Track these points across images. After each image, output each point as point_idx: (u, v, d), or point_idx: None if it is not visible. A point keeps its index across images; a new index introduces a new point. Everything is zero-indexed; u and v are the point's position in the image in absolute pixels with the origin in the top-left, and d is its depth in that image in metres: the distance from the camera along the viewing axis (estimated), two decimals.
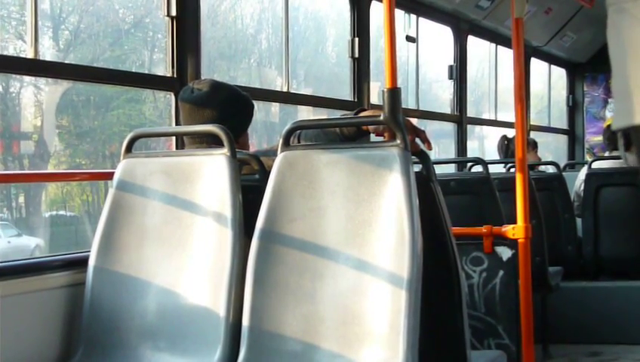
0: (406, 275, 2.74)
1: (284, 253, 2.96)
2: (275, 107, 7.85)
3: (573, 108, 11.45)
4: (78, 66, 4.77)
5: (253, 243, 2.98)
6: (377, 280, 2.81)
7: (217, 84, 3.72)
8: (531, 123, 9.90)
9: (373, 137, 3.34)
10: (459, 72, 7.97)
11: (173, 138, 4.29)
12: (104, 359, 3.13)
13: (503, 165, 7.13)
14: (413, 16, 7.30)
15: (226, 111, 3.58)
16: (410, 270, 2.74)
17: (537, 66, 10.47)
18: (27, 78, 6.78)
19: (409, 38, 7.32)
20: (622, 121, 2.16)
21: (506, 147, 7.62)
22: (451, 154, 8.24)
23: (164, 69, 4.50)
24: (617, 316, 6.85)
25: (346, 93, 6.34)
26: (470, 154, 8.36)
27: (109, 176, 3.45)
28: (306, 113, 6.67)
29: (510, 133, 7.38)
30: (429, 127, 8.50)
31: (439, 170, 5.48)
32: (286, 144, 3.05)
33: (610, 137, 7.71)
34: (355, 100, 6.20)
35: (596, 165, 7.39)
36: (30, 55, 3.67)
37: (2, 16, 6.45)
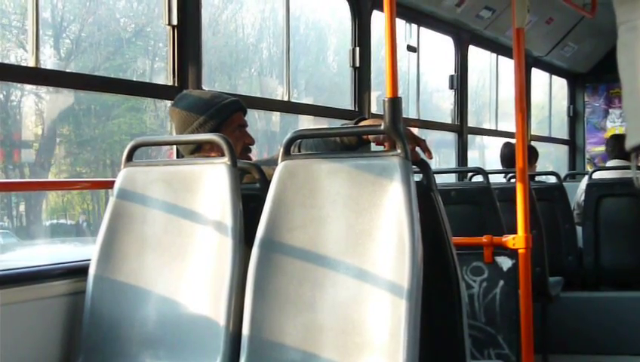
0: (406, 285, 2.74)
1: (284, 262, 2.95)
2: (276, 116, 7.86)
3: (574, 118, 11.46)
4: (79, 75, 4.78)
5: (254, 252, 2.98)
6: (377, 289, 2.80)
7: (182, 94, 3.77)
8: (532, 133, 9.91)
9: (373, 146, 3.34)
10: (460, 82, 7.98)
11: (174, 147, 4.30)
12: None
13: (503, 175, 7.13)
14: (414, 26, 7.32)
15: (186, 119, 3.61)
16: (411, 279, 2.74)
17: (538, 76, 10.47)
18: (28, 87, 6.78)
19: (410, 48, 7.32)
20: (635, 139, 2.16)
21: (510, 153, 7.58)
22: (452, 163, 8.25)
23: (165, 77, 4.51)
24: (618, 326, 6.84)
25: (346, 103, 6.34)
26: (471, 164, 8.36)
27: (109, 184, 3.45)
28: (306, 122, 6.67)
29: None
30: (430, 136, 8.51)
31: (440, 179, 5.48)
32: (286, 153, 3.05)
33: (614, 146, 7.74)
34: (356, 110, 6.21)
35: (597, 175, 7.39)
36: (31, 63, 3.68)
37: (3, 24, 6.46)
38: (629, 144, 2.20)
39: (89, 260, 3.26)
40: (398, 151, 2.89)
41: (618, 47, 2.20)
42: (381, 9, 3.33)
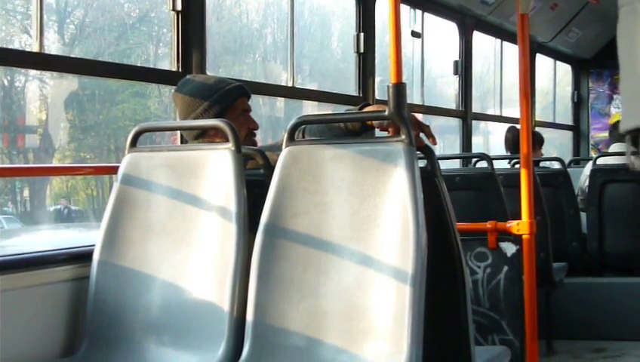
0: (410, 270, 2.74)
1: (288, 248, 2.96)
2: (280, 102, 7.85)
3: (579, 104, 11.44)
4: (83, 60, 4.77)
5: (258, 238, 2.98)
6: (382, 275, 2.81)
7: (185, 79, 3.76)
8: (536, 119, 9.89)
9: (377, 132, 3.34)
10: (464, 68, 7.97)
11: (178, 132, 4.30)
12: (108, 353, 3.13)
13: (507, 161, 7.13)
14: (419, 12, 7.30)
15: (190, 104, 3.60)
16: (415, 265, 2.74)
17: (543, 62, 10.46)
18: (32, 72, 6.78)
19: (414, 34, 7.32)
20: (630, 122, 2.16)
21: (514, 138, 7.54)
22: (456, 149, 8.24)
23: (169, 63, 4.50)
24: (622, 312, 6.85)
25: (351, 89, 6.34)
26: (475, 149, 8.35)
27: (113, 170, 3.45)
28: (310, 108, 6.67)
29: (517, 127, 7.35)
30: (434, 122, 8.50)
31: (444, 165, 5.48)
32: (291, 139, 3.05)
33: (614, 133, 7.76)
34: (360, 95, 6.20)
35: (601, 161, 7.39)
36: (35, 49, 3.67)
37: (8, 9, 6.45)
38: (623, 127, 2.20)
39: (93, 246, 3.27)
40: (403, 137, 2.89)
41: (618, 29, 2.20)
42: None
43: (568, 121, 11.46)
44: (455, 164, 7.52)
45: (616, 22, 2.21)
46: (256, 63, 9.19)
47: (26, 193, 8.03)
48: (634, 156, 2.28)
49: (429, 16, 7.46)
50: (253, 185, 3.18)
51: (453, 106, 8.15)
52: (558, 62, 11.01)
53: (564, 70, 11.39)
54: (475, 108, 8.40)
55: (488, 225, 4.20)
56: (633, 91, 2.13)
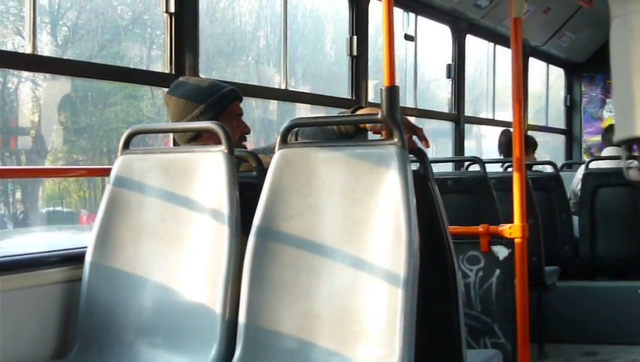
0: (403, 274, 2.74)
1: (280, 251, 2.96)
2: (273, 104, 7.85)
3: (571, 108, 11.46)
4: (76, 62, 4.76)
5: (250, 241, 2.98)
6: (374, 278, 2.81)
7: (178, 81, 3.75)
8: (529, 122, 9.90)
9: (370, 135, 3.34)
10: (457, 71, 7.98)
11: (171, 135, 4.30)
12: (100, 355, 3.13)
13: (500, 164, 7.13)
14: (412, 15, 7.31)
15: (184, 107, 3.59)
16: (407, 268, 2.74)
17: (535, 66, 10.47)
18: (25, 74, 6.76)
19: (407, 37, 7.32)
20: (623, 133, 2.17)
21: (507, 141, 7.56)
22: (449, 153, 8.25)
23: (162, 65, 4.50)
24: (613, 316, 6.86)
25: (344, 91, 6.34)
26: (468, 153, 8.36)
27: (106, 172, 3.45)
28: (304, 111, 6.67)
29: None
30: (427, 125, 8.50)
31: (436, 168, 5.49)
32: (284, 141, 3.05)
33: (610, 135, 7.77)
34: (353, 98, 6.20)
35: (593, 165, 7.40)
36: (28, 50, 3.67)
37: (1, 11, 6.44)
38: (616, 137, 2.21)
39: (85, 247, 3.26)
40: (395, 140, 2.89)
41: (611, 40, 2.21)
42: None
43: (561, 124, 11.47)
44: (448, 168, 7.53)
45: (609, 31, 2.22)
46: (249, 66, 9.18)
47: (18, 195, 8.01)
48: (630, 165, 2.29)
49: (422, 20, 7.47)
50: (245, 187, 3.18)
51: (445, 110, 8.16)
52: (550, 65, 11.02)
53: (557, 74, 11.40)
54: (468, 111, 8.41)
55: (481, 228, 4.21)
56: (626, 101, 2.14)
